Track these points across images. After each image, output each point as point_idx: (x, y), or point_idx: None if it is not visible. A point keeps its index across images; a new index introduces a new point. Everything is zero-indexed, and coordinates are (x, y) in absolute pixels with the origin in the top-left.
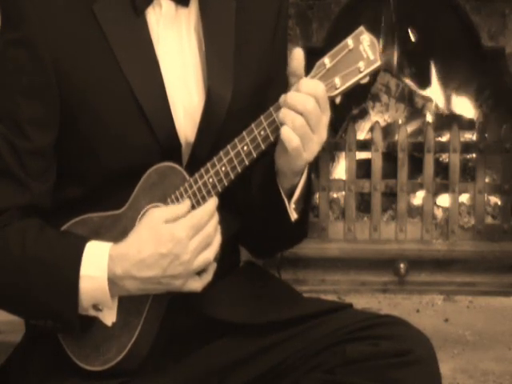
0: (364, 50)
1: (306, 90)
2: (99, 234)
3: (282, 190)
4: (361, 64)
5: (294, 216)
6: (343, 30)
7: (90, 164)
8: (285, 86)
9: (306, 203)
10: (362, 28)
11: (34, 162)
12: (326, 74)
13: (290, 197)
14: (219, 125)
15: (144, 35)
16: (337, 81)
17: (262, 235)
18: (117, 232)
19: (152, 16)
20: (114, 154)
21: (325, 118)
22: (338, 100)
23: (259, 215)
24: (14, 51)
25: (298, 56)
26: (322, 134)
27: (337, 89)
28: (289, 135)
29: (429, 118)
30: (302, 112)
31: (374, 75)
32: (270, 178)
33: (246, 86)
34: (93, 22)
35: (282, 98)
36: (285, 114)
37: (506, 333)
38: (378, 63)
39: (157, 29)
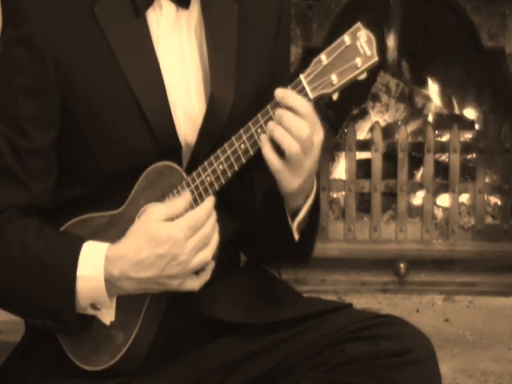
0: (361, 45)
1: (302, 111)
2: (98, 234)
3: (286, 208)
4: (358, 60)
5: (295, 236)
6: (343, 30)
7: (89, 165)
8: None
9: (311, 226)
10: (358, 24)
11: (34, 161)
12: (322, 71)
13: (294, 216)
14: (220, 128)
15: (145, 36)
16: (333, 77)
17: (263, 246)
18: (115, 232)
19: (153, 17)
20: (113, 155)
21: (317, 139)
22: (335, 96)
23: (262, 225)
24: (15, 50)
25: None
26: (313, 156)
27: (333, 85)
28: (269, 156)
29: (429, 118)
30: (298, 138)
31: (374, 75)
32: (276, 192)
33: (247, 89)
34: (93, 23)
35: (279, 93)
36: (282, 136)
37: (506, 333)
38: (375, 59)
39: (157, 30)
